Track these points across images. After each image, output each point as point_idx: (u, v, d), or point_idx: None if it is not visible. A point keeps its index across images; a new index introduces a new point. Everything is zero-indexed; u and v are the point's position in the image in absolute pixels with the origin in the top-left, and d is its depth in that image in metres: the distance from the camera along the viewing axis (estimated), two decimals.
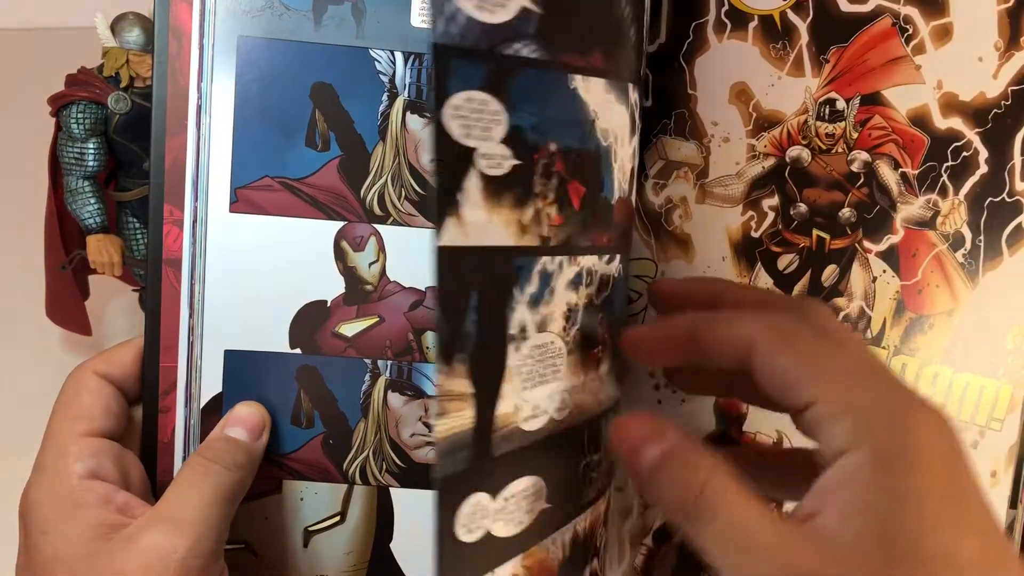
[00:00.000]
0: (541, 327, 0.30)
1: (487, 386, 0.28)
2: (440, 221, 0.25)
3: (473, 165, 0.26)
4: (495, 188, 0.27)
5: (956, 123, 0.39)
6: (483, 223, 0.27)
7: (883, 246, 0.39)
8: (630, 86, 0.33)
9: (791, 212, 0.39)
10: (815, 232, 0.39)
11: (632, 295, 0.40)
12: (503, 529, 0.29)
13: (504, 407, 0.29)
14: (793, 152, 0.39)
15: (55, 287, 0.49)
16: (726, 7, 0.39)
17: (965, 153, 0.39)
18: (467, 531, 0.28)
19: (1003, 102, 0.39)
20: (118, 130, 0.45)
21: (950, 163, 0.39)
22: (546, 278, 0.30)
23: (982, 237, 0.40)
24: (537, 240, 0.29)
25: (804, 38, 0.39)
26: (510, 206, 0.28)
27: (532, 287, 0.29)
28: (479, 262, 0.27)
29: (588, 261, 0.31)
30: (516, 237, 0.28)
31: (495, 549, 0.29)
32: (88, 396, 0.34)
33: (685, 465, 0.26)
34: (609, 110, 0.32)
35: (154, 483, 0.36)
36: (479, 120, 0.27)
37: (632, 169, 0.35)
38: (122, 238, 0.47)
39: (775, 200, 0.39)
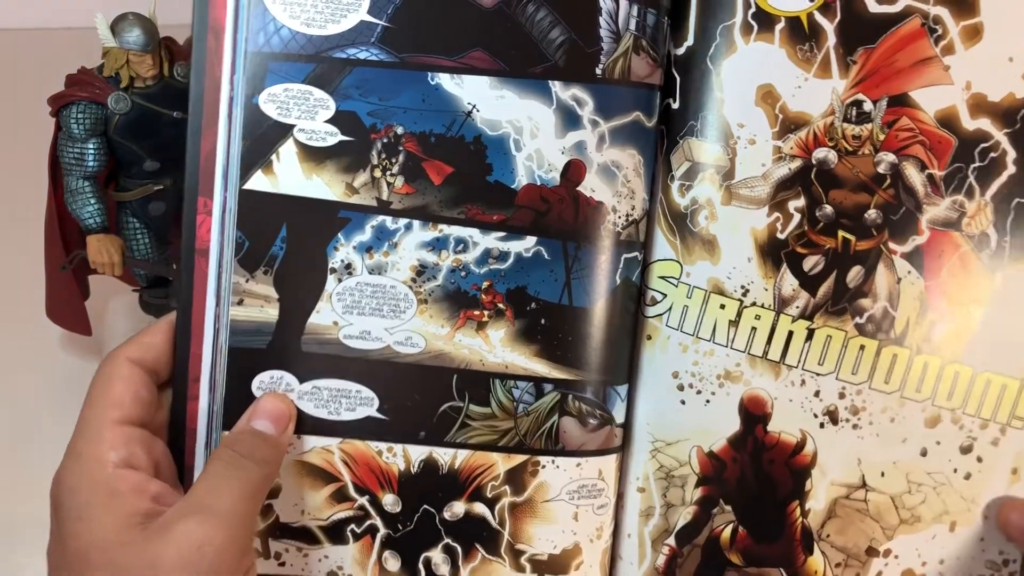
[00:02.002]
0: (375, 271, 0.37)
1: (295, 297, 0.37)
2: (246, 173, 0.36)
3: (291, 137, 0.37)
4: (317, 155, 0.37)
5: (984, 124, 0.39)
6: (299, 179, 0.37)
7: (908, 247, 0.39)
8: (555, 84, 0.38)
9: (817, 214, 0.39)
10: (840, 233, 0.39)
11: (656, 295, 0.40)
12: (311, 408, 0.38)
13: (319, 319, 0.37)
14: (819, 154, 0.39)
15: (55, 287, 0.49)
16: (753, 9, 0.39)
17: (993, 154, 0.39)
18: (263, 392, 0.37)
19: None
20: (118, 130, 0.45)
21: (977, 164, 0.39)
22: (384, 233, 0.37)
23: (1008, 238, 0.40)
24: (372, 201, 0.37)
25: (831, 40, 0.39)
26: (336, 170, 0.37)
27: (363, 236, 0.37)
28: (289, 205, 0.37)
29: (460, 231, 0.37)
30: (343, 195, 0.37)
31: (300, 421, 0.38)
32: (120, 384, 0.35)
33: None
34: (500, 104, 0.37)
35: (181, 469, 0.37)
36: (301, 105, 0.36)
37: (576, 162, 0.38)
38: (122, 238, 0.47)
39: (801, 202, 0.39)
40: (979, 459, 0.41)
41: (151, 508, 0.33)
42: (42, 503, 0.34)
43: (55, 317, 0.50)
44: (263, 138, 0.36)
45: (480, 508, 0.39)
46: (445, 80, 0.37)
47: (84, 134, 0.45)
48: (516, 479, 0.39)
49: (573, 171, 0.38)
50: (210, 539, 0.31)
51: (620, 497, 0.41)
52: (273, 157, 0.37)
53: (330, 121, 0.37)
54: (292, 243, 0.37)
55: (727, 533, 0.41)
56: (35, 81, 0.48)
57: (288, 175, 0.37)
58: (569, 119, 0.38)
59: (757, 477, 0.40)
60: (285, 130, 0.37)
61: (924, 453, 0.40)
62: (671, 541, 0.41)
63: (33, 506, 0.37)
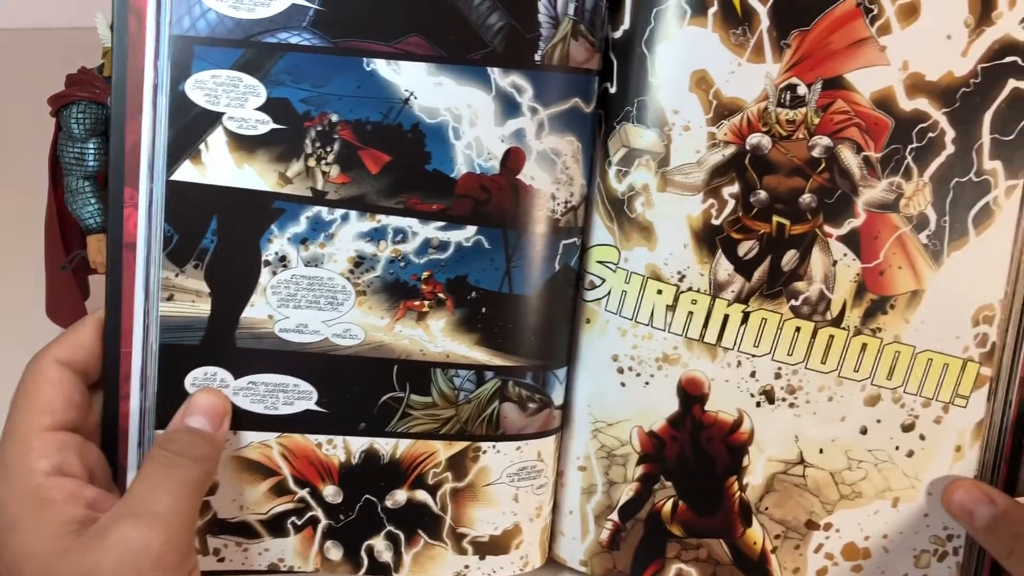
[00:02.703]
0: (311, 263, 0.37)
1: (228, 291, 0.37)
2: (173, 163, 0.36)
3: (220, 125, 0.36)
4: (248, 144, 0.36)
5: (922, 104, 0.39)
6: (229, 169, 0.36)
7: (844, 230, 0.40)
8: (494, 71, 0.37)
9: (751, 199, 0.39)
10: (775, 218, 0.40)
11: (595, 280, 0.41)
12: (247, 404, 0.38)
13: (254, 313, 0.37)
14: (753, 140, 0.39)
15: (55, 287, 0.48)
16: None
17: (931, 134, 0.39)
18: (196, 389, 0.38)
19: (972, 80, 0.39)
20: None
21: (915, 145, 0.39)
22: (319, 224, 0.37)
23: (947, 218, 0.40)
24: (307, 191, 0.37)
25: (764, 23, 0.38)
26: (268, 160, 0.37)
27: (298, 227, 0.37)
28: (219, 196, 0.36)
29: (399, 221, 0.38)
30: (276, 185, 0.37)
31: (236, 417, 0.38)
32: (50, 388, 0.34)
33: (1011, 525, 0.38)
34: (438, 92, 0.37)
35: (115, 470, 0.37)
36: (230, 92, 0.36)
37: (516, 151, 0.38)
38: None
39: (735, 188, 0.39)
40: (922, 437, 0.41)
41: (86, 515, 0.32)
42: None
43: (55, 317, 0.50)
44: (190, 127, 0.36)
45: (422, 495, 0.40)
46: (381, 66, 0.37)
47: (84, 134, 0.45)
48: (458, 465, 0.40)
49: (513, 159, 0.38)
50: (148, 543, 0.31)
51: (560, 476, 0.42)
52: (202, 147, 0.36)
53: (261, 109, 0.36)
54: (223, 236, 0.37)
55: (668, 507, 0.42)
56: (35, 81, 0.48)
57: (218, 165, 0.36)
58: (508, 107, 0.38)
59: (696, 454, 0.41)
60: (214, 118, 0.36)
61: (864, 431, 0.41)
62: (614, 516, 0.42)
63: None
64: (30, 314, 0.51)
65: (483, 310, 0.39)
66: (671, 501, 0.42)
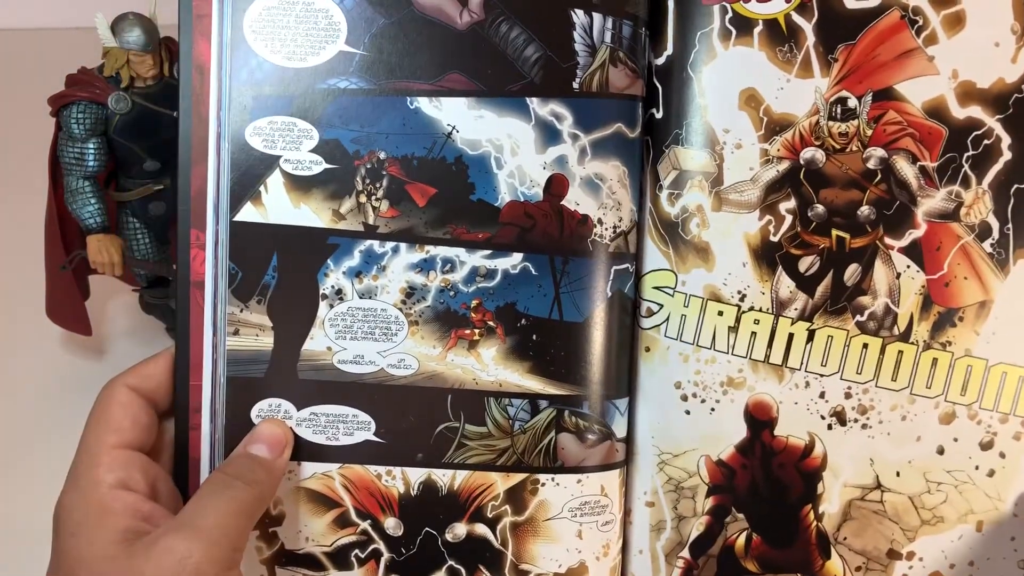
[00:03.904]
0: (366, 295, 0.38)
1: (288, 324, 0.38)
2: (236, 205, 0.37)
3: (277, 167, 0.37)
4: (303, 184, 0.37)
5: (975, 112, 0.38)
6: (287, 208, 0.37)
7: (905, 241, 0.39)
8: (533, 100, 0.38)
9: (808, 214, 0.39)
10: (834, 232, 0.39)
11: (652, 307, 0.40)
12: (309, 435, 0.38)
13: (314, 345, 0.38)
14: (807, 154, 0.39)
15: (55, 287, 0.49)
16: (729, 15, 0.39)
17: (986, 141, 0.38)
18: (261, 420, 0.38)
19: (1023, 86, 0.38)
20: (118, 130, 0.45)
21: (971, 152, 0.38)
22: (372, 257, 0.38)
23: (1010, 225, 0.39)
24: (359, 226, 0.38)
25: (810, 39, 0.38)
26: (323, 198, 0.38)
27: (352, 261, 0.38)
28: (279, 234, 0.38)
29: (446, 251, 0.38)
30: (331, 221, 0.38)
31: (299, 447, 0.38)
32: (119, 409, 0.36)
33: None
34: (479, 124, 0.38)
35: (185, 498, 0.37)
36: (286, 136, 0.37)
37: (558, 177, 0.38)
38: (122, 238, 0.47)
39: (792, 203, 0.39)
40: (1002, 455, 0.39)
41: (141, 527, 0.33)
42: (41, 500, 0.35)
43: (55, 317, 0.50)
44: (251, 171, 0.37)
45: (481, 529, 0.39)
46: (424, 104, 0.38)
47: (84, 134, 0.45)
48: (516, 498, 0.39)
49: (556, 185, 0.38)
50: (189, 553, 0.32)
51: (627, 513, 0.41)
52: (261, 188, 0.37)
53: (314, 150, 0.37)
54: (283, 271, 0.38)
55: (741, 541, 0.40)
56: (35, 81, 0.48)
57: (276, 205, 0.38)
58: (549, 134, 0.38)
59: (768, 482, 0.40)
60: (271, 161, 0.37)
61: (941, 451, 0.39)
62: (685, 553, 0.40)
63: (33, 503, 0.38)
64: (30, 314, 0.51)
65: (534, 337, 0.38)
66: (744, 534, 0.40)
